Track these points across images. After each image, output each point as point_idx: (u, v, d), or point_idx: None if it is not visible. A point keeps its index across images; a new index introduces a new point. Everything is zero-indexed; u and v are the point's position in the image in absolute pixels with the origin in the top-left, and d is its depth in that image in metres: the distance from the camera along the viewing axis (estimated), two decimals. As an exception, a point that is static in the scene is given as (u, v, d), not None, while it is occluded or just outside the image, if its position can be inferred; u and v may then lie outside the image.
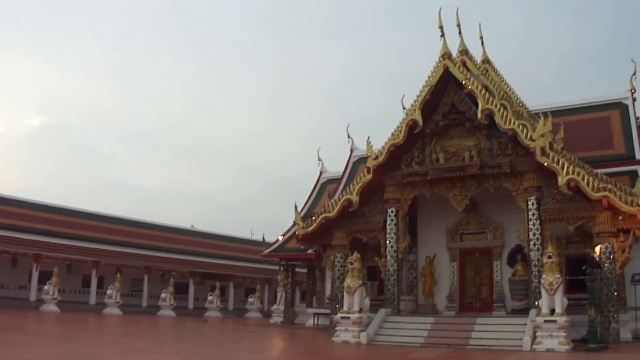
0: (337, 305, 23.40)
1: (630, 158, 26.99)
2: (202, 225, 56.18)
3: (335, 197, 24.31)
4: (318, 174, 37.35)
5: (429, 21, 23.13)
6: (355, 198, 22.87)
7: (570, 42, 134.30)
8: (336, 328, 21.56)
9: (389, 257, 22.97)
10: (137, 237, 44.69)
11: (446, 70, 22.28)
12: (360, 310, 21.35)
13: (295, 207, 26.18)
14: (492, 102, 21.27)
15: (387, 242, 23.08)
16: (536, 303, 19.50)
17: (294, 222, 26.02)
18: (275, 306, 37.67)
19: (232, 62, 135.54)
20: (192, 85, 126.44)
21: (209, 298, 44.96)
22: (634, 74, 30.52)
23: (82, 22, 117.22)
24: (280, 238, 34.46)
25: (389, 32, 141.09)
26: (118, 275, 39.59)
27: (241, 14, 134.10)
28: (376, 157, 22.66)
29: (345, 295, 21.78)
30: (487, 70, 26.53)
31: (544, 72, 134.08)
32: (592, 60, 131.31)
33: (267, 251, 34.66)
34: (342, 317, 21.31)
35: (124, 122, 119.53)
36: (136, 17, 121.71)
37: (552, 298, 18.44)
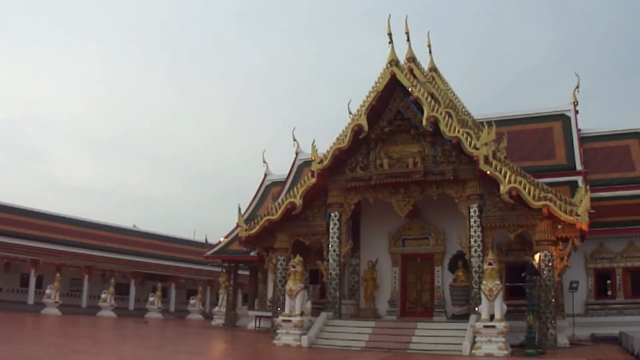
0: (278, 308, 23.31)
1: (571, 168, 27.64)
2: (149, 228, 55.52)
3: (279, 200, 24.24)
4: (262, 176, 37.24)
5: (378, 28, 23.20)
6: (298, 201, 22.84)
7: (519, 54, 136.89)
8: (277, 331, 21.52)
9: (331, 260, 22.98)
10: (78, 236, 43.91)
11: (393, 77, 22.40)
12: (301, 314, 21.32)
13: (239, 209, 26.04)
14: (437, 110, 21.46)
15: (330, 245, 23.10)
16: (476, 309, 19.73)
17: (237, 224, 25.85)
18: (216, 308, 37.38)
19: (198, 68, 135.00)
20: (159, 90, 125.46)
21: (150, 299, 44.47)
22: (577, 87, 31.38)
23: (45, 21, 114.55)
24: (223, 240, 34.24)
25: (338, 37, 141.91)
26: (57, 274, 38.84)
27: (208, 18, 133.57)
28: (321, 161, 22.68)
29: (287, 298, 21.74)
30: (433, 78, 26.80)
31: (494, 82, 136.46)
32: (540, 72, 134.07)
33: (209, 253, 34.39)
34: (284, 320, 21.26)
35: (87, 125, 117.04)
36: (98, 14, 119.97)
37: (492, 304, 18.67)
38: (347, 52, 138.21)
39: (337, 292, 22.90)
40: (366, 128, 22.21)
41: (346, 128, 22.65)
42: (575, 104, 31.32)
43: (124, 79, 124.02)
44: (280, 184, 34.64)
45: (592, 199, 22.96)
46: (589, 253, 26.31)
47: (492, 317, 18.63)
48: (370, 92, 22.59)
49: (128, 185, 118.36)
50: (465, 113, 26.48)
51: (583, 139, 30.25)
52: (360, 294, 25.02)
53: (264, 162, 37.24)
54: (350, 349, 19.57)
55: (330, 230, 23.19)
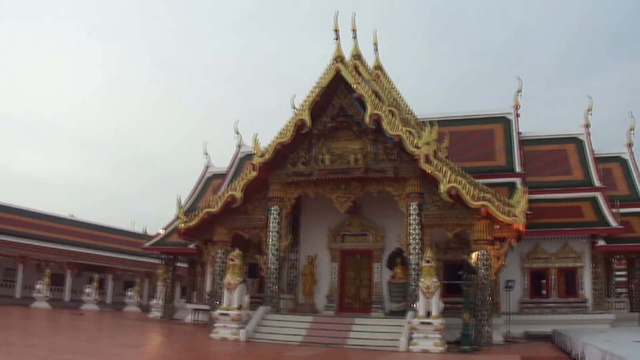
0: (216, 302, 23.12)
1: (510, 170, 28.11)
2: (85, 217, 54.43)
3: (220, 193, 24.09)
4: (204, 168, 36.92)
5: (326, 24, 23.17)
6: (239, 194, 22.69)
7: (468, 56, 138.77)
8: (215, 324, 21.33)
9: (270, 255, 22.90)
10: (12, 224, 42.72)
11: (338, 73, 22.40)
12: (239, 307, 21.19)
13: (179, 200, 25.81)
14: (380, 108, 21.56)
15: (269, 240, 23.00)
16: (413, 305, 19.89)
17: (177, 215, 25.57)
18: (154, 300, 36.91)
19: (135, 52, 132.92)
20: (94, 72, 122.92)
21: (87, 290, 43.63)
22: (519, 90, 31.86)
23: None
24: (162, 231, 33.83)
25: (285, 31, 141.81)
26: (-10, 264, 37.83)
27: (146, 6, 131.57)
28: (262, 155, 22.56)
29: (225, 292, 21.59)
30: (378, 76, 26.93)
31: (442, 83, 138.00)
32: (488, 74, 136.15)
33: (148, 244, 33.89)
34: (221, 314, 21.11)
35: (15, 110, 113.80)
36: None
37: (429, 301, 18.90)
38: (297, 48, 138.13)
39: (276, 287, 22.84)
40: (309, 123, 22.17)
41: (289, 122, 22.58)
42: (517, 107, 31.85)
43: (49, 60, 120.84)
44: (221, 176, 34.37)
45: (530, 201, 23.41)
46: (525, 253, 26.75)
47: (429, 314, 18.85)
48: (314, 88, 22.55)
49: (64, 173, 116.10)
50: (409, 112, 26.65)
51: (523, 142, 30.81)
52: (298, 288, 25.06)
53: (206, 154, 37.00)
54: (288, 343, 19.51)
55: (270, 225, 23.09)
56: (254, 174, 22.71)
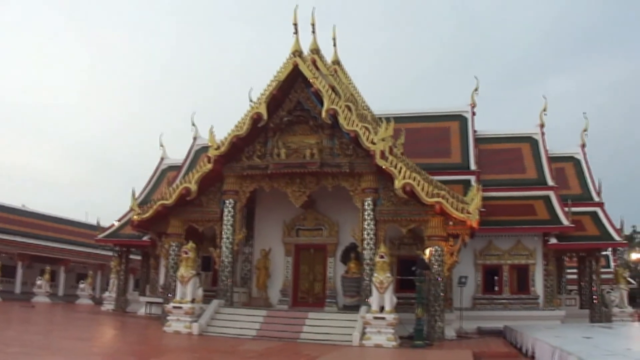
0: (170, 295, 22.89)
1: (465, 168, 28.38)
2: (35, 207, 53.43)
3: (174, 185, 23.83)
4: (159, 160, 36.54)
5: (285, 18, 23.05)
6: (193, 187, 22.51)
7: (427, 54, 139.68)
8: (168, 318, 21.15)
9: (224, 248, 22.76)
10: (-40, 214, 41.89)
11: (296, 67, 22.32)
12: (193, 301, 21.09)
13: (133, 192, 25.54)
14: (337, 103, 21.55)
15: (223, 233, 22.87)
16: (367, 300, 19.91)
17: (131, 207, 25.26)
18: (107, 293, 36.39)
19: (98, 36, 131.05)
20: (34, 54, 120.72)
21: (38, 282, 42.83)
22: (476, 89, 32.19)
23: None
24: (116, 223, 33.41)
25: (241, 25, 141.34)
26: (-64, 254, 36.94)
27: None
28: (218, 147, 22.40)
29: (179, 285, 21.43)
30: (336, 71, 26.87)
31: (402, 80, 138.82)
32: (447, 73, 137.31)
33: (101, 236, 33.44)
34: (175, 307, 20.95)
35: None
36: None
37: (383, 296, 19.00)
38: (255, 41, 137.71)
39: (230, 280, 22.72)
40: (265, 116, 22.08)
41: (245, 115, 22.45)
42: (473, 105, 32.14)
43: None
44: (176, 168, 34.03)
45: (484, 198, 23.62)
46: (478, 250, 27.01)
47: (382, 309, 18.96)
48: (271, 81, 22.44)
49: (14, 163, 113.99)
50: (365, 108, 26.70)
51: (478, 140, 31.12)
52: (252, 282, 24.95)
53: (161, 145, 36.58)
54: (241, 337, 19.44)
55: (225, 218, 22.95)
56: (209, 166, 22.55)
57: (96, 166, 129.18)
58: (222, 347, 17.11)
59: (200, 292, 21.60)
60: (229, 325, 20.59)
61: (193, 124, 35.14)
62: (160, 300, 27.05)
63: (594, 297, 29.24)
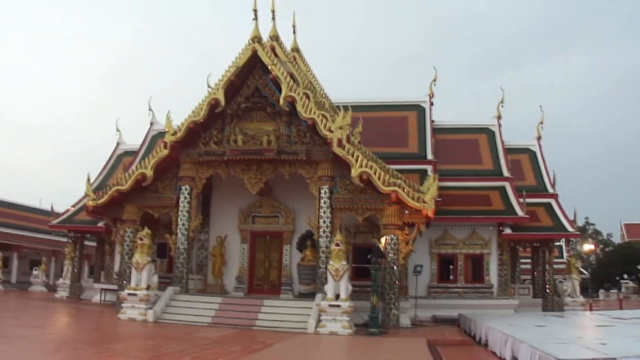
0: (125, 282, 22.68)
1: (422, 157, 28.52)
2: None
3: (130, 170, 23.56)
4: (115, 145, 36.03)
5: (248, 4, 22.83)
6: (149, 172, 22.27)
7: (392, 44, 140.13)
8: (123, 305, 20.92)
9: (179, 234, 22.62)
10: None
11: (254, 54, 22.18)
12: (148, 288, 20.87)
13: (88, 177, 25.29)
14: (295, 90, 21.51)
15: (179, 219, 22.72)
16: (323, 288, 19.93)
17: (86, 193, 24.91)
18: (61, 280, 35.89)
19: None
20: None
21: (-11, 269, 42.20)
22: (435, 80, 32.26)
23: None
24: (71, 209, 32.95)
25: (204, 10, 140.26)
26: None
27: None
28: (174, 133, 22.21)
29: (134, 272, 21.18)
30: (295, 59, 26.78)
31: (363, 70, 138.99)
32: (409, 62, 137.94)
33: (55, 222, 32.91)
34: (129, 294, 20.70)
35: None
36: None
37: (338, 284, 19.04)
38: (218, 27, 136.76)
39: (185, 267, 22.62)
40: (223, 102, 21.92)
41: (203, 101, 22.27)
42: (431, 96, 32.29)
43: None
44: (133, 153, 33.58)
45: (440, 188, 23.83)
46: (433, 239, 27.21)
47: (337, 297, 19.01)
48: (230, 67, 22.27)
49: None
50: (324, 96, 26.64)
51: (436, 130, 31.28)
52: (208, 269, 24.83)
53: (117, 130, 36.04)
54: (196, 324, 19.37)
55: (181, 204, 22.79)
56: (166, 152, 22.33)
57: (57, 153, 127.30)
58: (177, 334, 16.96)
59: (155, 279, 21.39)
60: (184, 312, 20.47)
61: (150, 109, 34.76)
62: (115, 287, 26.76)
63: (547, 286, 29.70)
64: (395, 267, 21.21)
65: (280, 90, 21.63)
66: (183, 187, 22.88)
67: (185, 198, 22.77)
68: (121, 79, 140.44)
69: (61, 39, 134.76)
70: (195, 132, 22.56)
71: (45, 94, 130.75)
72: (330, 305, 18.80)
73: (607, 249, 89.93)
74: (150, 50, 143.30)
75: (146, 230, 21.41)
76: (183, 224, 22.64)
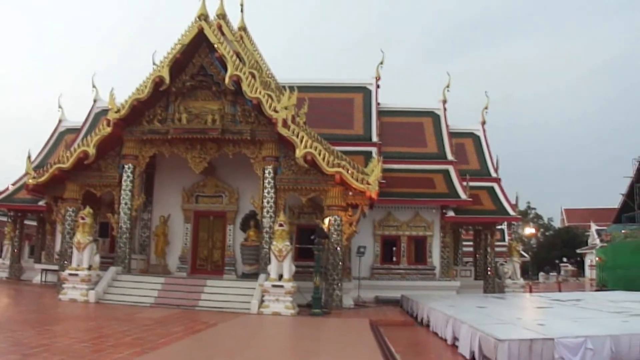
0: (66, 262, 22.30)
1: (367, 139, 28.69)
2: None
3: (72, 148, 23.13)
4: (57, 122, 35.32)
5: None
6: (91, 150, 21.88)
7: (345, 26, 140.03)
8: (64, 285, 20.58)
9: (122, 214, 22.31)
10: None
11: (201, 32, 21.90)
12: (89, 268, 20.58)
13: (28, 155, 24.83)
14: (241, 69, 21.34)
15: (122, 198, 22.38)
16: (266, 268, 19.92)
17: (26, 171, 24.39)
18: (0, 260, 35.28)
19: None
20: None
21: None
22: (382, 62, 32.40)
23: None
24: (10, 187, 32.24)
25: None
26: None
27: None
28: (118, 110, 21.82)
29: (75, 252, 20.84)
30: (242, 38, 26.59)
31: (314, 51, 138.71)
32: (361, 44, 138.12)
33: (-7, 200, 32.22)
34: (70, 274, 20.40)
35: None
36: None
37: (281, 264, 19.07)
38: (163, 5, 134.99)
39: (127, 247, 22.33)
40: (168, 80, 21.60)
41: (147, 79, 21.88)
42: (378, 78, 32.42)
43: None
44: (75, 131, 32.95)
45: (385, 170, 23.99)
46: (377, 220, 27.46)
47: (280, 277, 19.04)
48: (175, 45, 21.95)
49: None
50: (270, 76, 26.56)
51: (382, 113, 31.49)
52: (151, 249, 24.60)
53: (60, 107, 35.32)
54: (139, 305, 19.18)
55: (123, 183, 22.47)
56: (108, 130, 21.95)
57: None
58: (118, 315, 16.79)
59: (97, 259, 21.11)
60: (127, 292, 20.26)
61: (94, 86, 34.14)
62: (56, 267, 26.35)
63: (488, 269, 30.25)
64: (338, 248, 21.32)
65: (226, 69, 21.44)
66: (126, 166, 22.56)
67: (128, 177, 22.47)
68: (66, 56, 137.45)
69: (5, 12, 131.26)
70: (139, 110, 22.23)
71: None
72: (274, 286, 18.82)
73: (547, 233, 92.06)
74: (98, 25, 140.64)
75: (88, 210, 21.10)
76: (126, 203, 22.34)
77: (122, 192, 22.44)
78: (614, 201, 44.30)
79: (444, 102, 33.09)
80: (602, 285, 40.63)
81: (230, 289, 20.23)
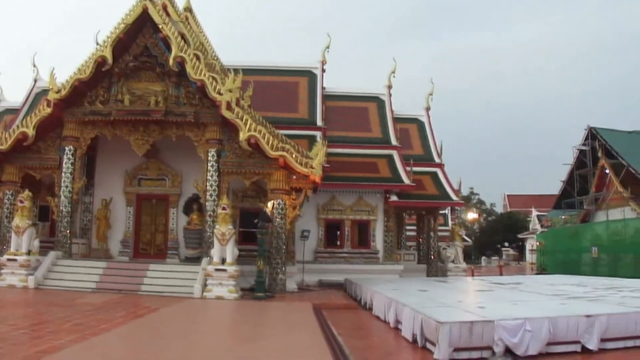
0: (4, 247, 21.76)
1: (312, 123, 28.71)
2: None
3: (11, 129, 22.54)
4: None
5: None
6: (31, 132, 21.35)
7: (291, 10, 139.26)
8: (2, 271, 20.06)
9: (63, 197, 21.82)
10: None
11: (145, 11, 21.48)
12: (29, 253, 20.14)
13: (-36, 136, 24.01)
14: (186, 51, 21.06)
15: (62, 181, 21.85)
16: (209, 252, 19.88)
17: (-39, 153, 23.70)
18: None
19: None
20: None
21: None
22: (328, 47, 32.38)
23: None
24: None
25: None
26: None
27: None
28: (59, 91, 21.29)
29: (13, 236, 20.32)
30: (187, 19, 26.19)
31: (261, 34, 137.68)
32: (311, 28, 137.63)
33: None
34: (9, 260, 19.88)
35: None
36: None
37: (224, 248, 19.04)
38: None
39: (68, 231, 21.84)
40: (110, 60, 21.18)
41: (89, 58, 21.39)
42: (324, 62, 32.40)
43: None
44: (15, 111, 32.10)
45: (329, 154, 24.07)
46: (321, 204, 27.57)
47: (223, 261, 19.00)
48: (119, 24, 21.51)
49: None
50: (215, 58, 26.30)
51: (327, 97, 31.52)
52: (92, 233, 24.16)
53: (-2, 86, 34.39)
54: (80, 290, 18.85)
55: (64, 165, 21.96)
56: (49, 110, 21.42)
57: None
58: (59, 300, 16.48)
59: (36, 243, 20.65)
60: (67, 277, 19.88)
61: (34, 66, 33.26)
62: (-6, 252, 25.78)
63: (431, 253, 30.67)
64: (282, 232, 21.34)
65: (170, 50, 21.15)
66: (67, 148, 22.06)
67: (69, 159, 21.99)
68: (4, 33, 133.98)
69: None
70: (80, 91, 21.76)
71: None
72: (217, 270, 18.77)
73: (490, 218, 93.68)
74: (39, 2, 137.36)
75: (27, 192, 20.63)
76: (66, 186, 21.87)
77: (63, 174, 21.94)
78: (555, 188, 45.22)
79: (389, 87, 33.28)
80: (542, 269, 41.66)
81: (173, 273, 20.09)
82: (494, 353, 9.70)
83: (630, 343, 10.77)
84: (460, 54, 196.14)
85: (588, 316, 10.46)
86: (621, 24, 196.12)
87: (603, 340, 10.44)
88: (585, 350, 10.30)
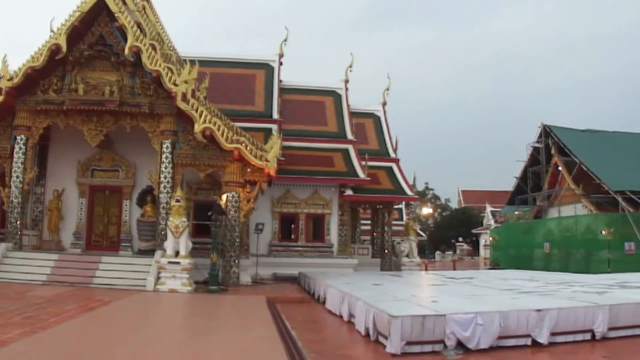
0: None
1: (268, 116, 28.66)
2: None
3: (-39, 118, 22.10)
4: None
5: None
6: (-19, 120, 20.99)
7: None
8: (-51, 264, 19.72)
9: (13, 187, 21.41)
10: None
11: (101, 0, 21.26)
12: (-24, 245, 19.77)
13: None
14: (141, 41, 20.85)
15: (13, 171, 21.43)
16: (163, 244, 19.81)
17: None
18: None
19: None
20: None
21: None
22: (285, 40, 32.33)
23: None
24: None
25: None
26: None
27: None
28: (11, 79, 20.83)
29: (-38, 227, 20.03)
30: (144, 9, 25.87)
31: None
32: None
33: None
34: (-44, 251, 19.53)
35: None
36: None
37: (178, 240, 19.00)
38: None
39: (19, 222, 21.44)
40: (64, 49, 20.83)
41: (43, 46, 21.01)
42: (281, 55, 32.35)
43: None
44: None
45: (285, 148, 24.09)
46: (276, 197, 27.58)
47: (177, 254, 18.95)
48: (74, 12, 21.17)
49: None
50: (172, 49, 26.02)
51: (284, 90, 31.50)
52: (44, 224, 23.72)
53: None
54: (30, 282, 18.55)
55: (15, 155, 21.54)
56: (0, 98, 21.00)
57: None
58: (8, 293, 16.18)
59: (-16, 235, 20.35)
60: (18, 270, 19.52)
61: (-13, 54, 32.67)
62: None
63: (386, 247, 30.89)
64: (236, 225, 21.30)
65: (126, 40, 20.89)
66: (18, 137, 21.64)
67: (20, 148, 21.58)
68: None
69: None
70: (33, 79, 21.36)
71: None
72: (170, 262, 18.71)
73: (444, 213, 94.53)
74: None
75: (-24, 182, 20.28)
76: (17, 176, 21.47)
77: (14, 164, 21.52)
78: (509, 184, 45.81)
79: (346, 82, 33.39)
80: (495, 264, 42.20)
81: (126, 266, 19.95)
82: (445, 346, 9.82)
83: (579, 337, 10.98)
84: (419, 51, 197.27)
85: (538, 310, 10.64)
86: (583, 24, 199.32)
87: (553, 334, 10.62)
88: (535, 343, 10.47)
